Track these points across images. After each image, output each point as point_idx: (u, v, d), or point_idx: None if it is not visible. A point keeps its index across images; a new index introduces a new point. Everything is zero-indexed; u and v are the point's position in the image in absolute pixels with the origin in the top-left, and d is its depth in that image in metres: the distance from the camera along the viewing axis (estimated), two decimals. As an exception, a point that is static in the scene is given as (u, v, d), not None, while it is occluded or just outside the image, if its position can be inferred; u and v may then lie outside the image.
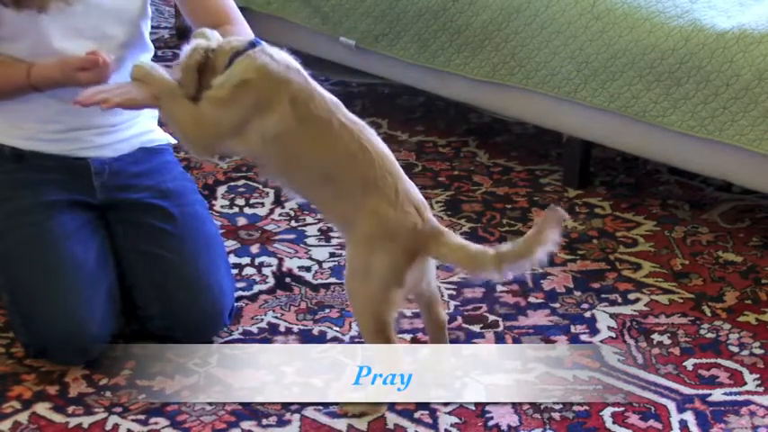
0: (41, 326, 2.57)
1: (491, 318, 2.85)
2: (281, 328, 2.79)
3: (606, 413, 2.52)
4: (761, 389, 2.59)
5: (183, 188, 2.81)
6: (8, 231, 2.65)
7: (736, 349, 2.73)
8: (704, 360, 2.70)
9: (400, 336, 2.67)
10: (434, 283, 2.57)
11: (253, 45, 2.45)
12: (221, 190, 3.44)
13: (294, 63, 2.46)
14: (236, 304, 2.82)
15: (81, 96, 2.48)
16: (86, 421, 2.47)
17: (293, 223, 3.27)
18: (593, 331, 2.80)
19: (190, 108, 2.45)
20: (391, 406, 2.52)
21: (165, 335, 2.69)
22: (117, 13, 2.69)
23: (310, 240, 3.17)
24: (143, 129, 2.84)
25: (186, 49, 2.47)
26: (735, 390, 2.59)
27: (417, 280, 2.47)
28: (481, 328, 2.80)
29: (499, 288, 2.95)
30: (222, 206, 3.35)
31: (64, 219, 2.65)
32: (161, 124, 2.89)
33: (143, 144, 2.83)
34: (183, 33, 4.35)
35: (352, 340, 2.75)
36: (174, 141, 2.92)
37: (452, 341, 2.68)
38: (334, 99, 2.45)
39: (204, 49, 2.44)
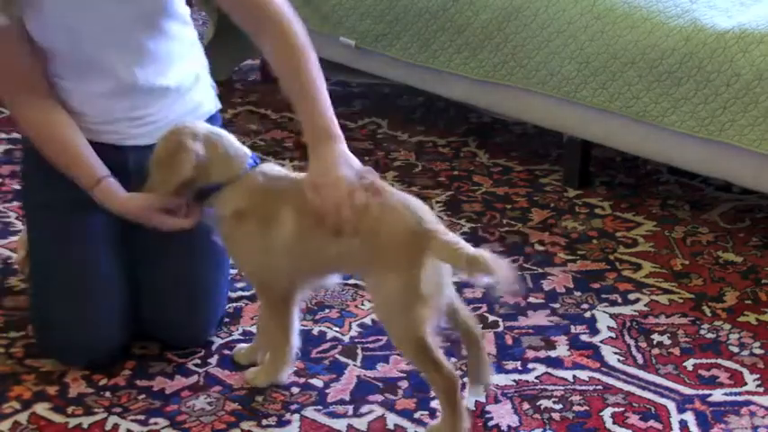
0: (53, 330, 2.59)
1: (491, 318, 2.85)
2: (281, 329, 2.79)
3: (606, 413, 2.51)
4: (761, 389, 2.59)
5: None
6: (39, 226, 2.64)
7: (736, 349, 2.73)
8: (704, 360, 2.69)
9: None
10: (453, 293, 2.48)
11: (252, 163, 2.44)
12: (221, 190, 3.43)
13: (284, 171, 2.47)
14: (235, 304, 2.82)
15: None
16: (86, 421, 2.47)
17: (293, 223, 3.26)
18: (593, 331, 2.80)
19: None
20: (391, 406, 2.52)
21: (156, 336, 2.69)
22: (138, 11, 2.58)
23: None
24: (180, 112, 2.68)
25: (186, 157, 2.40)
26: (735, 390, 2.59)
27: (436, 287, 2.36)
28: (481, 329, 2.80)
29: (499, 288, 2.95)
30: (222, 206, 3.35)
31: (93, 221, 2.61)
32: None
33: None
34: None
35: (352, 340, 2.75)
36: (219, 105, 2.84)
37: (452, 341, 2.67)
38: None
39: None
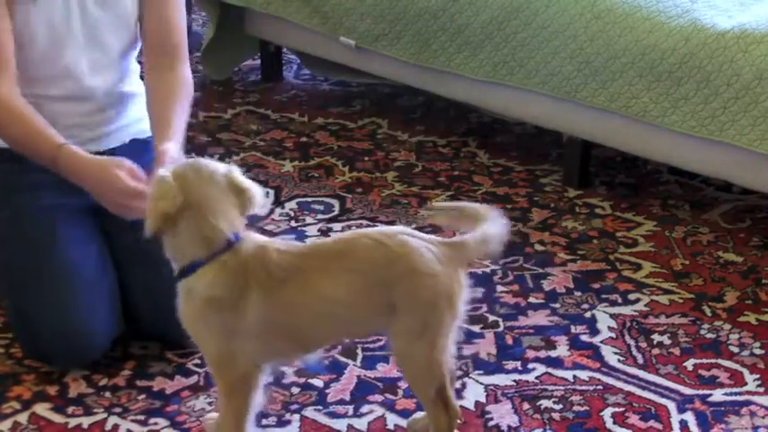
0: (44, 336, 2.56)
1: (491, 318, 2.85)
2: (281, 329, 2.79)
3: (606, 413, 2.51)
4: (761, 389, 2.59)
5: None
6: (9, 238, 2.62)
7: (736, 349, 2.73)
8: (704, 360, 2.69)
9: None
10: None
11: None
12: (221, 190, 3.43)
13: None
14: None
15: None
16: (86, 422, 2.47)
17: (293, 223, 3.27)
18: (593, 331, 2.80)
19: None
20: (391, 406, 2.52)
21: (156, 334, 2.69)
22: (115, 18, 2.67)
23: (310, 240, 3.17)
24: (133, 118, 2.80)
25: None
26: (735, 390, 2.59)
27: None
28: (481, 329, 2.80)
29: (499, 288, 2.95)
30: (222, 206, 3.34)
31: (63, 224, 2.61)
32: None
33: (135, 135, 2.80)
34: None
35: (352, 340, 2.75)
36: None
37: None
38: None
39: None
